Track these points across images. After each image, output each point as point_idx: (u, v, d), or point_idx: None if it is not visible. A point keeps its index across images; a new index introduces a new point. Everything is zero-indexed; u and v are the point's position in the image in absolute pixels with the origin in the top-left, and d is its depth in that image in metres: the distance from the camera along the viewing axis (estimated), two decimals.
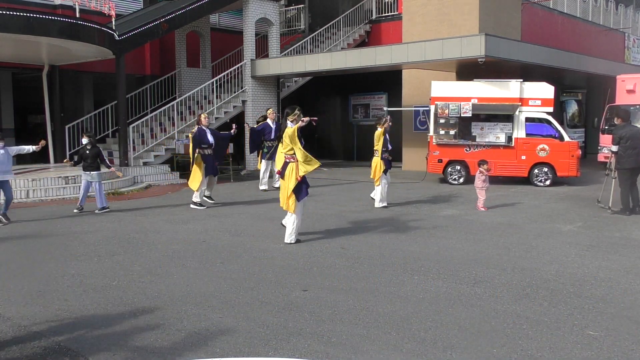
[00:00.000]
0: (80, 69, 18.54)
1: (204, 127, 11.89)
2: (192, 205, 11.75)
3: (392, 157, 11.89)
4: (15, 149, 10.70)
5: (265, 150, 14.46)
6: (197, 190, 11.71)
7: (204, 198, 12.08)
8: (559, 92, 20.64)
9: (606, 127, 18.52)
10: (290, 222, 8.30)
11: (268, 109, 16.25)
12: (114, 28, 15.74)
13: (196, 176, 11.64)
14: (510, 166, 15.08)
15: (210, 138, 11.82)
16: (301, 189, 8.20)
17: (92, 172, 11.38)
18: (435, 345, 4.61)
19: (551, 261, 7.23)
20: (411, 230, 9.21)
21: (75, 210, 11.19)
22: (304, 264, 7.14)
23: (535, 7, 22.10)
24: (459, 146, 15.40)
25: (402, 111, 19.42)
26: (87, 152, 11.40)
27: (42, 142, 11.13)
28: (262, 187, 14.47)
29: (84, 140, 11.53)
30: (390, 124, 11.69)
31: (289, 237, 8.30)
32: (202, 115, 12.13)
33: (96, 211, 11.26)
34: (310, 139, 22.92)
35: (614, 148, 10.70)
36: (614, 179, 10.89)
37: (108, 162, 12.09)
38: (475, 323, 5.08)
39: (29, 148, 10.93)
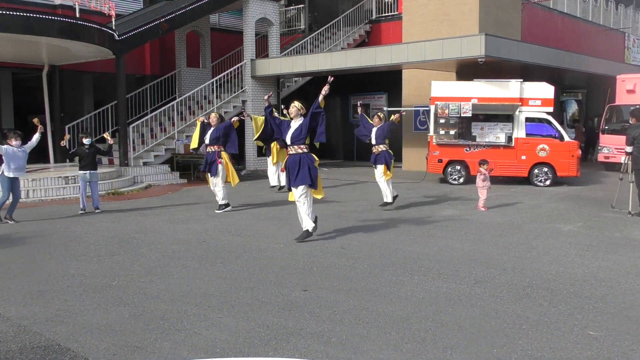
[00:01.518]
0: (80, 69, 18.55)
1: (211, 125, 11.74)
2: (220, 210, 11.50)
3: (392, 157, 11.68)
4: (29, 146, 10.64)
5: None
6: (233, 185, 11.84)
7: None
8: (559, 92, 20.65)
9: (606, 127, 18.53)
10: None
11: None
12: (114, 28, 15.74)
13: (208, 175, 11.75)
14: (510, 166, 15.08)
15: (207, 137, 11.37)
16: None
17: (91, 172, 11.41)
18: (435, 345, 4.61)
19: (551, 261, 7.23)
20: (411, 230, 9.21)
21: (80, 212, 11.19)
22: (304, 264, 7.14)
23: (535, 7, 22.10)
24: (459, 146, 15.41)
25: (402, 111, 19.40)
26: (87, 151, 11.42)
27: (37, 123, 11.02)
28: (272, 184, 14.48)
29: (87, 141, 11.50)
30: (380, 119, 11.59)
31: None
32: (212, 114, 11.81)
33: (96, 211, 11.29)
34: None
35: (629, 149, 10.54)
36: (631, 183, 10.68)
37: (105, 148, 12.32)
38: (475, 323, 5.08)
39: (35, 139, 10.78)
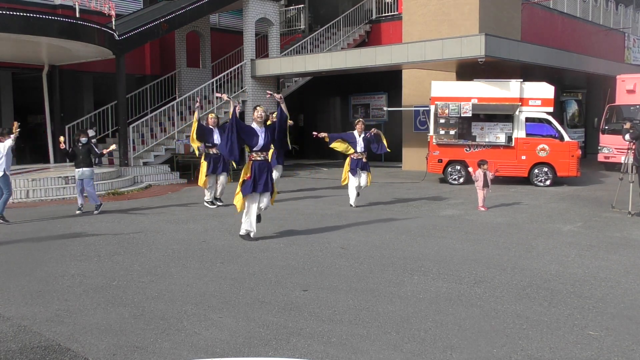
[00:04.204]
0: (80, 69, 18.55)
1: (210, 127, 11.84)
2: (205, 204, 11.90)
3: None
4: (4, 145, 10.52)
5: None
6: (204, 187, 11.92)
7: (214, 199, 12.06)
8: (559, 92, 20.64)
9: (606, 127, 18.53)
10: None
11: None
12: (114, 28, 15.74)
13: (200, 174, 11.84)
14: (510, 166, 15.08)
15: (215, 138, 11.62)
16: (246, 185, 8.20)
17: (84, 169, 11.26)
18: (435, 345, 4.61)
19: (551, 261, 7.23)
20: (411, 230, 9.21)
21: (77, 212, 11.16)
22: (304, 264, 7.15)
23: (535, 7, 22.10)
24: (459, 146, 15.41)
25: (402, 111, 19.42)
26: (81, 148, 11.38)
27: (15, 127, 10.64)
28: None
29: (84, 139, 11.47)
30: (362, 125, 11.51)
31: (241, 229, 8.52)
32: (210, 115, 12.03)
33: (95, 212, 11.17)
34: (310, 138, 22.97)
35: (627, 137, 10.77)
36: (631, 183, 10.71)
37: (98, 151, 11.83)
38: (475, 323, 5.08)
39: (12, 138, 10.40)
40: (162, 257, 7.55)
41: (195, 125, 11.32)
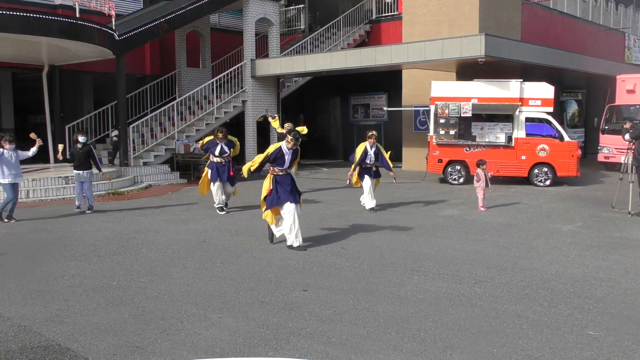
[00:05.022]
0: (80, 69, 18.55)
1: (217, 141, 11.68)
2: (217, 211, 11.54)
3: (390, 158, 11.74)
4: (22, 155, 10.59)
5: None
6: (201, 194, 11.85)
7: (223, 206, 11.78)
8: (559, 92, 20.65)
9: (606, 127, 18.53)
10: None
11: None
12: (114, 28, 15.74)
13: (202, 181, 11.70)
14: (510, 166, 15.08)
15: (218, 150, 11.45)
16: (270, 199, 8.10)
17: (84, 171, 11.37)
18: (435, 345, 4.61)
19: (551, 261, 7.23)
20: (411, 230, 9.21)
21: (76, 210, 11.27)
22: (304, 264, 7.15)
23: (535, 7, 22.11)
24: (459, 146, 15.41)
25: (402, 111, 19.42)
26: (80, 151, 11.39)
27: (33, 136, 10.74)
28: None
29: (82, 139, 11.49)
30: (374, 140, 11.50)
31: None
32: (219, 135, 11.76)
33: (88, 211, 11.26)
34: (310, 139, 23.03)
35: (627, 137, 10.76)
36: (631, 183, 10.72)
37: (99, 163, 11.90)
38: (475, 323, 5.08)
39: (32, 152, 10.75)
40: (162, 257, 7.55)
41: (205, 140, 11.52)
